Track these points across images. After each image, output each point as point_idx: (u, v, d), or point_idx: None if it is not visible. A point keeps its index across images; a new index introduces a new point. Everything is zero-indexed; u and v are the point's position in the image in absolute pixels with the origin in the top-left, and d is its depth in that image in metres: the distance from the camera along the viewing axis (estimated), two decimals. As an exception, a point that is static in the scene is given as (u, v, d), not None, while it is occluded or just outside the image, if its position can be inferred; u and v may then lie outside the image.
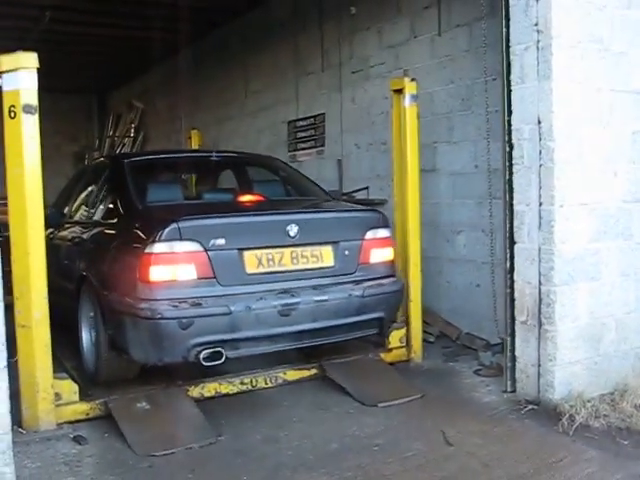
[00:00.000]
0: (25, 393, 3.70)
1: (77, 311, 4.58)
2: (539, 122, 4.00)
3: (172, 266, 3.72)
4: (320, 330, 4.06)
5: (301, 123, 7.90)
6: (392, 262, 4.50)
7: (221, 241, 3.77)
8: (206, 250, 3.75)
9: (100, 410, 3.96)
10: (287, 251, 3.98)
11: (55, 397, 3.79)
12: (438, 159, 5.81)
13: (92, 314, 4.32)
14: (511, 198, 4.14)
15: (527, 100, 4.08)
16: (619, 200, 4.24)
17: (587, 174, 4.08)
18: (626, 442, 3.61)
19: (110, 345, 4.08)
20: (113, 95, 14.70)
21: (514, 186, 4.13)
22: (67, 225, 5.33)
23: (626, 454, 3.48)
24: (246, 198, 4.71)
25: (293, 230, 3.96)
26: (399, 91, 5.06)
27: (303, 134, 7.91)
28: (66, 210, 5.57)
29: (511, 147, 4.15)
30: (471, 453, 3.51)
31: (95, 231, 4.68)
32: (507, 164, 4.18)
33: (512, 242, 4.18)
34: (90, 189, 5.38)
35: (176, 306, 3.66)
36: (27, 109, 3.57)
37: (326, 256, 4.11)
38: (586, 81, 4.10)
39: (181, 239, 3.71)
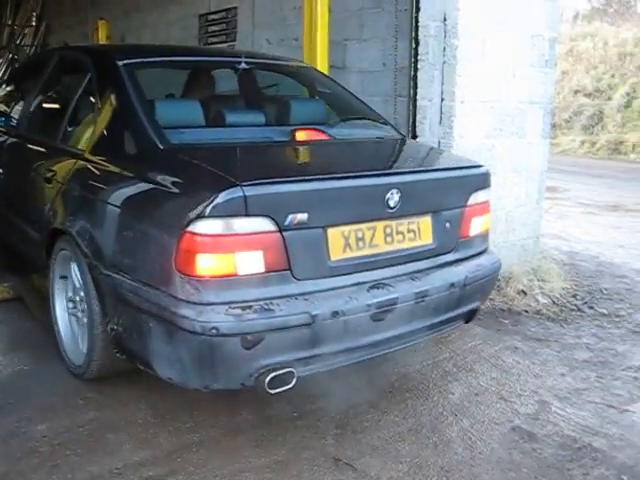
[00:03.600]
0: None
1: (46, 274, 3.48)
2: (445, 20, 4.15)
3: (231, 254, 2.49)
4: (413, 332, 3.02)
5: (213, 17, 7.76)
6: (487, 232, 3.42)
7: (302, 216, 2.56)
8: (281, 230, 2.52)
9: (8, 293, 4.02)
10: (380, 226, 2.83)
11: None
12: (348, 56, 5.88)
13: (77, 290, 3.19)
14: (415, 93, 4.33)
15: (435, -3, 4.20)
16: (516, 100, 4.49)
17: (488, 73, 4.30)
18: (506, 321, 4.01)
19: (114, 345, 2.95)
20: (11, -19, 13.80)
21: (418, 82, 4.31)
22: (16, 138, 4.18)
23: (505, 330, 3.88)
24: (305, 135, 3.37)
25: (394, 198, 2.79)
26: (312, -16, 5.06)
27: (215, 28, 7.79)
28: (14, 114, 4.36)
29: (417, 44, 4.31)
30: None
31: (80, 168, 3.27)
32: (413, 60, 4.34)
33: (414, 136, 4.39)
34: (54, 95, 4.16)
35: (238, 315, 2.46)
36: None
37: (425, 231, 3.00)
38: (491, -18, 4.26)
39: (247, 214, 2.45)
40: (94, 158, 3.18)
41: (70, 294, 3.28)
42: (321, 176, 2.76)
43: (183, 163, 2.80)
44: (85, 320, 3.10)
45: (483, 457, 2.81)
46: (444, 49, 4.15)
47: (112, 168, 3.04)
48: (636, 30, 17.48)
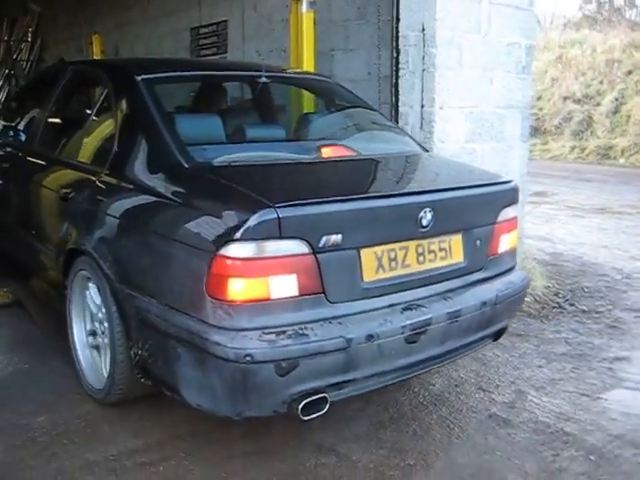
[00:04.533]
0: None
1: (62, 294, 3.36)
2: (423, 29, 4.32)
3: (264, 278, 2.42)
4: (445, 353, 2.95)
5: (204, 30, 7.93)
6: (515, 248, 3.35)
7: (337, 238, 2.49)
8: (314, 252, 2.46)
9: (8, 298, 4.17)
10: (412, 245, 2.77)
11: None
12: (335, 66, 6.04)
13: (96, 312, 3.13)
14: (397, 100, 4.49)
15: (414, 8, 4.37)
16: (494, 105, 4.66)
17: (466, 80, 4.46)
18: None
19: (139, 370, 2.85)
20: (7, -3, 14.01)
21: (399, 89, 4.47)
22: (27, 154, 4.06)
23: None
24: (331, 152, 3.31)
25: (427, 217, 2.73)
26: (297, -2, 5.24)
27: (206, 41, 7.96)
28: (23, 129, 4.27)
29: (398, 53, 4.47)
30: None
31: (100, 187, 3.15)
32: (394, 69, 4.50)
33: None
34: (68, 111, 4.09)
35: (272, 341, 2.37)
36: None
37: (456, 249, 2.94)
38: (468, -7, 4.44)
39: (281, 236, 2.38)
40: (115, 177, 3.08)
41: (89, 316, 3.20)
42: (355, 196, 2.67)
43: (211, 183, 2.74)
44: (106, 342, 3.01)
45: (460, 442, 2.97)
46: (423, 57, 4.32)
47: (135, 188, 2.92)
48: (623, 37, 17.70)
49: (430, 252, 2.83)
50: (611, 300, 5.05)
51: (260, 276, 2.41)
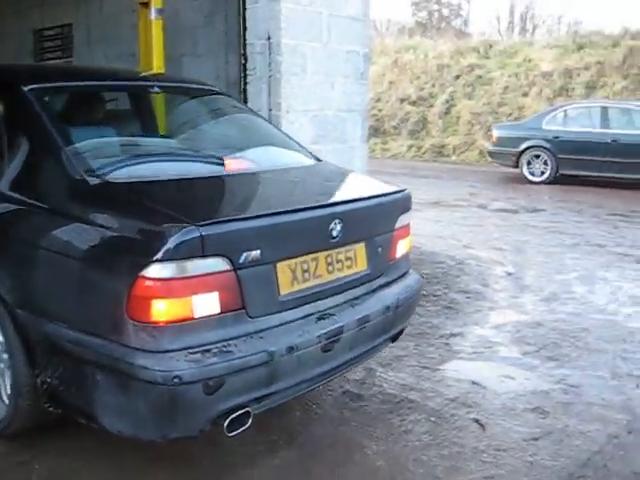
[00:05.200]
0: None
1: None
2: (269, 38, 4.61)
3: (188, 297, 2.36)
4: (354, 358, 3.04)
5: (48, 32, 7.80)
6: (409, 253, 3.45)
7: (256, 253, 2.49)
8: (235, 269, 2.44)
9: None
10: (322, 256, 2.81)
11: None
12: (184, 71, 6.16)
13: None
14: (245, 104, 4.74)
15: (259, 18, 4.66)
16: (336, 109, 5.05)
17: (309, 85, 4.81)
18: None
19: (46, 400, 2.69)
20: None
21: (248, 94, 4.74)
22: None
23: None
24: (234, 164, 3.29)
25: (337, 228, 2.79)
26: (145, 4, 5.34)
27: (50, 44, 7.84)
28: None
29: (246, 60, 4.74)
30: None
31: None
32: (242, 75, 4.77)
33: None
34: None
35: (199, 360, 2.34)
36: None
37: (360, 257, 3.01)
38: (310, 5, 4.79)
39: (203, 254, 2.35)
40: (11, 196, 2.85)
41: None
42: (273, 211, 2.67)
43: (123, 200, 2.65)
44: (5, 373, 2.82)
45: (318, 417, 3.28)
46: (270, 64, 4.61)
47: (36, 209, 2.74)
48: (450, 44, 19.04)
49: (338, 262, 2.89)
50: (447, 284, 5.58)
51: (183, 296, 2.35)
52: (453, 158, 16.26)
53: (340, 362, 2.90)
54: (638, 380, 3.80)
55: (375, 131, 17.79)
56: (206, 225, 2.34)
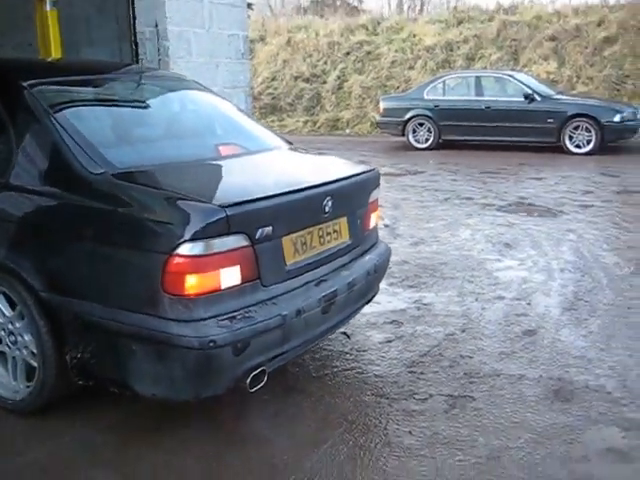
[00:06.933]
0: None
1: None
2: (156, 25, 5.22)
3: (216, 271, 2.70)
4: (343, 320, 3.48)
5: (-59, 25, 8.01)
6: (377, 224, 3.90)
7: (269, 229, 2.85)
8: (253, 244, 2.79)
9: None
10: (316, 230, 3.19)
11: None
12: (82, 57, 6.69)
13: (6, 323, 3.09)
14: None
15: (146, 7, 5.26)
16: (221, 86, 5.70)
17: (196, 66, 5.45)
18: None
19: (76, 373, 2.94)
20: None
21: (141, 77, 5.32)
22: None
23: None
24: (229, 150, 3.67)
25: (329, 204, 3.17)
26: (40, -4, 5.81)
27: (-57, 36, 8.04)
28: None
29: (137, 46, 5.32)
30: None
31: (9, 198, 3.08)
32: (134, 59, 5.35)
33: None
34: None
35: (228, 326, 2.67)
36: None
37: (344, 229, 3.41)
38: (192, -6, 5.41)
39: (227, 232, 2.68)
40: (24, 186, 3.03)
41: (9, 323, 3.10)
42: (282, 191, 2.99)
43: (145, 187, 2.86)
44: (19, 353, 3.06)
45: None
46: (158, 49, 5.21)
47: (58, 198, 2.94)
48: (340, 22, 19.82)
49: (327, 234, 3.27)
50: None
51: (212, 270, 2.68)
52: (347, 131, 17.06)
53: (334, 323, 3.34)
54: (477, 295, 4.71)
55: (272, 108, 18.44)
56: (230, 206, 2.67)
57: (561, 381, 3.43)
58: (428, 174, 10.25)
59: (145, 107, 3.98)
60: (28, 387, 3.06)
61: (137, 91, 3.99)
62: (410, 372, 3.57)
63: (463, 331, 4.10)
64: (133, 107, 3.90)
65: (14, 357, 3.11)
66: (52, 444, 2.93)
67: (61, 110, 3.16)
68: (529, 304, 4.51)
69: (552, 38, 16.34)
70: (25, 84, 3.19)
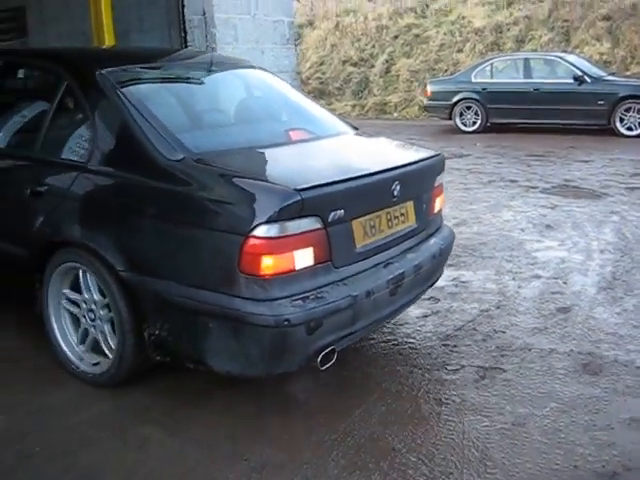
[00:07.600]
0: None
1: (34, 290, 3.41)
2: (204, 13, 5.41)
3: (290, 252, 2.76)
4: (410, 302, 3.56)
5: (1, 15, 8.36)
6: (442, 209, 3.88)
7: (340, 212, 2.89)
8: (325, 227, 2.84)
9: None
10: (384, 213, 3.22)
11: None
12: (132, 45, 6.93)
13: (90, 300, 3.22)
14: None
15: (194, -4, 5.45)
16: (267, 71, 5.86)
17: (242, 52, 5.63)
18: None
19: (154, 349, 3.05)
20: None
21: (189, 63, 5.52)
22: None
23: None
24: (297, 135, 3.73)
25: (397, 189, 3.19)
26: (94, -15, 6.07)
27: (3, 26, 8.41)
28: None
29: (185, 33, 5.53)
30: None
31: (89, 180, 3.21)
32: (184, 46, 5.55)
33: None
34: (23, 105, 3.90)
35: (302, 306, 2.74)
36: None
37: (410, 213, 3.42)
38: (237, -18, 5.59)
39: (301, 215, 2.74)
40: (107, 170, 3.15)
41: (75, 308, 3.31)
42: (353, 175, 3.03)
43: (224, 171, 2.91)
44: (101, 330, 3.20)
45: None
46: (206, 36, 5.41)
47: (139, 181, 3.02)
48: (389, 5, 19.78)
49: (395, 218, 3.29)
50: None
51: (287, 251, 2.74)
52: (395, 115, 17.09)
53: (401, 304, 3.38)
54: (514, 274, 4.80)
55: (320, 93, 18.56)
56: (304, 190, 2.72)
57: (591, 355, 3.52)
58: (474, 157, 10.27)
59: (215, 92, 4.10)
60: (107, 362, 3.21)
61: (207, 77, 4.07)
62: (444, 345, 3.71)
63: (498, 307, 4.21)
64: (204, 92, 4.01)
65: (94, 333, 3.27)
66: (106, 404, 3.16)
67: (138, 97, 3.29)
68: (565, 283, 4.59)
69: (606, 17, 15.99)
70: (103, 72, 3.34)
